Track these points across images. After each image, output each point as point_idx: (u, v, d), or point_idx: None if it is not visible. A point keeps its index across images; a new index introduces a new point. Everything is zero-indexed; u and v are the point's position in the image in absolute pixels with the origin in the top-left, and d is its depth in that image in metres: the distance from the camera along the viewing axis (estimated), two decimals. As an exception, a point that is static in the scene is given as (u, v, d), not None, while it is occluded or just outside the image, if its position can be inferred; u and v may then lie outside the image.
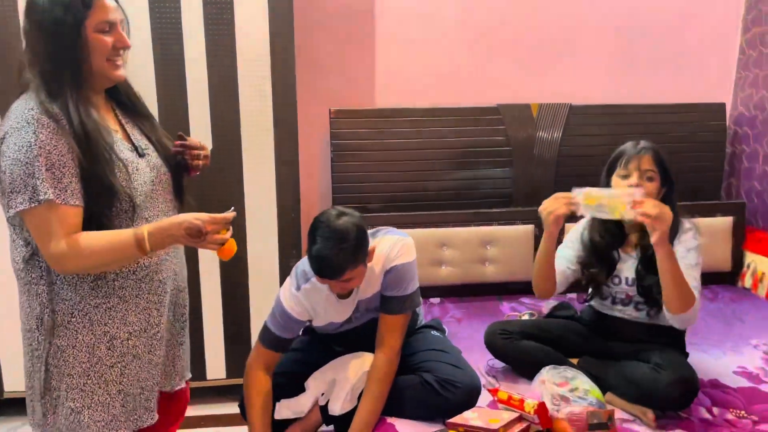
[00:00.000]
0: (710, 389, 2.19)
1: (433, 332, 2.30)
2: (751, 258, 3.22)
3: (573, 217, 2.10)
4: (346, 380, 2.10)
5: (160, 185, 1.71)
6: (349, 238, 1.86)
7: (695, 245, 2.13)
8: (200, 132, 2.70)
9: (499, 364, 2.37)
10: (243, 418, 2.17)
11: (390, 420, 2.03)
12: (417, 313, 2.29)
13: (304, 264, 2.06)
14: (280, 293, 2.10)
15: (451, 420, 1.89)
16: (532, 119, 3.21)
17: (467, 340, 2.58)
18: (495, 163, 3.24)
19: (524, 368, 2.27)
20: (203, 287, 2.83)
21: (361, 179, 3.16)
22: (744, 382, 2.25)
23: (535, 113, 3.21)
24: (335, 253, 1.85)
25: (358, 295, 2.07)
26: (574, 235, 2.34)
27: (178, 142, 1.78)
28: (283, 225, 2.85)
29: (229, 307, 2.90)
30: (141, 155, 1.67)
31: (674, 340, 2.23)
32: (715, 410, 2.06)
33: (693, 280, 2.04)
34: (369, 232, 2.00)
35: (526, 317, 2.76)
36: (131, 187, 1.59)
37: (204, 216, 1.57)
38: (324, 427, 2.17)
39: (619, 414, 2.01)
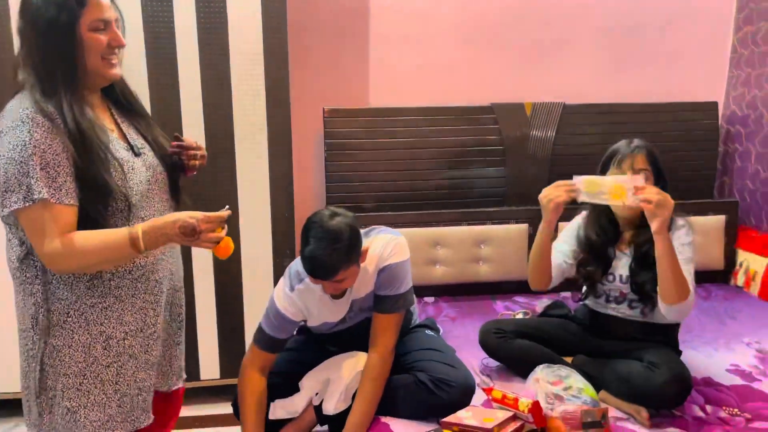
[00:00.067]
0: (703, 387, 2.20)
1: (428, 331, 2.30)
2: (743, 256, 3.23)
3: (568, 217, 2.11)
4: (340, 380, 2.09)
5: (156, 184, 1.70)
6: (342, 238, 1.86)
7: (688, 241, 2.14)
8: (193, 131, 2.69)
9: (493, 363, 2.37)
10: (236, 417, 2.16)
11: (384, 419, 2.03)
12: (411, 312, 2.29)
13: (297, 264, 2.05)
14: (273, 294, 2.10)
15: (446, 419, 1.89)
16: (526, 118, 3.22)
17: (461, 339, 2.58)
18: (489, 162, 3.24)
19: (518, 367, 2.28)
20: (197, 287, 2.83)
21: (354, 178, 3.16)
22: (737, 380, 2.26)
23: (529, 112, 3.22)
24: (328, 254, 1.85)
25: (352, 295, 2.07)
26: (570, 231, 2.34)
27: (175, 143, 1.78)
28: (276, 224, 2.85)
29: (223, 307, 2.89)
30: (137, 154, 1.66)
31: (668, 338, 2.24)
32: (709, 408, 2.07)
33: (687, 274, 2.04)
34: (362, 231, 2.00)
35: (520, 316, 2.76)
36: (127, 187, 1.59)
37: (198, 214, 1.56)
38: (318, 427, 2.16)
39: (612, 412, 2.01)
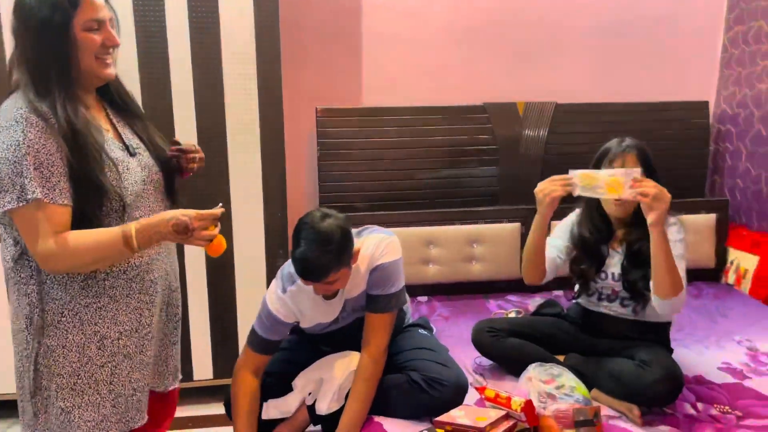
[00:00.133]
0: (695, 385, 2.21)
1: (421, 331, 2.30)
2: (734, 255, 3.25)
3: (561, 216, 2.11)
4: (333, 379, 2.09)
5: (151, 185, 1.70)
6: (333, 240, 1.86)
7: (680, 238, 2.15)
8: (185, 132, 2.68)
9: (486, 361, 2.38)
10: (228, 417, 2.16)
11: (377, 419, 2.03)
12: (404, 312, 2.30)
13: (289, 266, 2.05)
14: (266, 296, 2.09)
15: (439, 418, 1.89)
16: (519, 118, 3.23)
17: (454, 338, 2.59)
18: (481, 161, 3.25)
19: (511, 366, 2.28)
20: (190, 287, 2.82)
21: (347, 178, 3.16)
22: (728, 378, 2.27)
23: (522, 112, 3.23)
24: (318, 256, 1.84)
25: (345, 295, 2.07)
26: (564, 227, 2.35)
27: (174, 147, 1.78)
28: (269, 224, 2.84)
29: (215, 307, 2.88)
30: (132, 154, 1.66)
31: (659, 336, 2.25)
32: (700, 406, 2.08)
33: (680, 270, 2.05)
34: (354, 231, 2.00)
35: (512, 315, 2.77)
36: (121, 187, 1.58)
37: (191, 212, 1.56)
38: (311, 427, 2.17)
39: (605, 410, 2.02)
